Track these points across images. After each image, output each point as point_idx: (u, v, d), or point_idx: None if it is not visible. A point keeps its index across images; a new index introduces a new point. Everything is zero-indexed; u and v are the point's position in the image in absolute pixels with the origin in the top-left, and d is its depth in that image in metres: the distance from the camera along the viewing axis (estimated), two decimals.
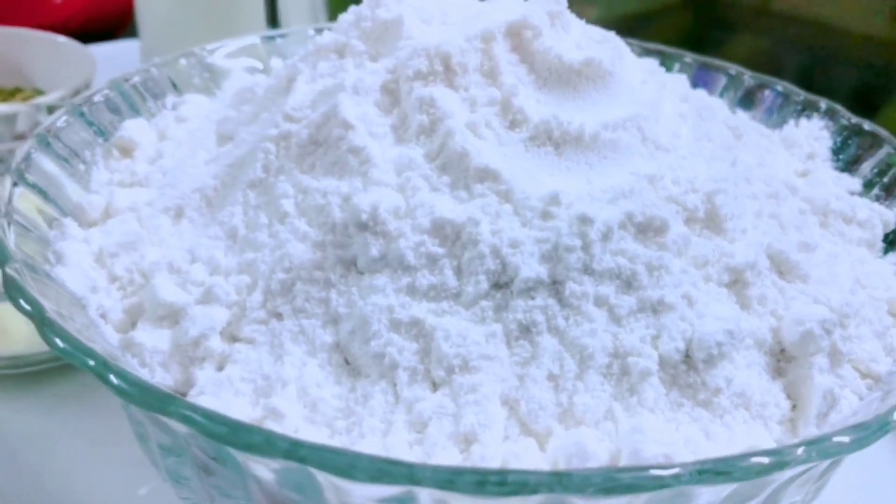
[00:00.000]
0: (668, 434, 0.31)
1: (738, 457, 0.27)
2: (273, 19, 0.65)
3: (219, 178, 0.40)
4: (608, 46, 0.41)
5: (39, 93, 0.74)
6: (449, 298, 0.34)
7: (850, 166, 0.50)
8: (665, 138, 0.39)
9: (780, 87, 0.54)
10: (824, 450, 0.27)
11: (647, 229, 0.35)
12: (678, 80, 0.47)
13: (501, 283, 0.34)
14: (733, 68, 0.56)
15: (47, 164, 0.42)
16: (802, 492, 0.34)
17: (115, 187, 0.42)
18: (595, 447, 0.31)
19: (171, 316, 0.35)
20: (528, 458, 0.31)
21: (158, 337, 0.34)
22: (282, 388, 0.33)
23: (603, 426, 0.32)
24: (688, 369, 0.33)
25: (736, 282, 0.35)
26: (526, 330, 0.33)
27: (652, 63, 0.48)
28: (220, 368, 0.34)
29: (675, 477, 0.25)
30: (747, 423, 0.33)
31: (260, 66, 0.54)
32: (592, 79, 0.39)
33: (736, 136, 0.44)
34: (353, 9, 0.44)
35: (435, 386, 0.33)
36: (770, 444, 0.32)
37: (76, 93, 0.71)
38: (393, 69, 0.39)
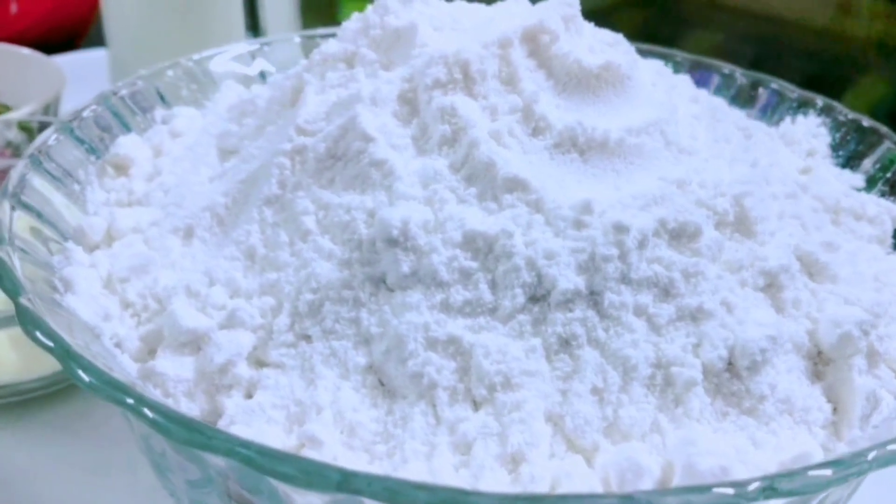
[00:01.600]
0: (720, 445, 0.31)
1: (813, 467, 0.26)
2: (254, 27, 0.63)
3: (230, 196, 0.38)
4: (622, 49, 0.40)
5: (6, 108, 0.71)
6: (485, 314, 0.33)
7: (850, 162, 0.50)
8: (686, 141, 0.38)
9: (774, 85, 0.54)
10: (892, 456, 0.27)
11: (681, 235, 0.34)
12: (684, 81, 0.47)
13: (538, 296, 0.33)
14: (726, 67, 0.56)
15: (42, 185, 0.40)
16: (845, 494, 0.34)
17: (115, 207, 0.41)
18: (648, 461, 0.30)
19: (194, 342, 0.34)
20: (579, 476, 0.30)
21: (181, 365, 0.33)
22: (317, 413, 0.32)
23: (650, 439, 0.32)
24: (731, 377, 0.33)
25: (770, 286, 0.35)
26: (566, 343, 0.32)
27: (657, 64, 0.47)
28: (249, 395, 0.33)
29: (756, 492, 0.25)
30: (792, 428, 0.33)
31: (250, 75, 0.52)
32: (611, 83, 0.38)
33: (746, 137, 0.44)
34: (357, 16, 0.42)
35: (476, 405, 0.32)
36: (817, 450, 0.32)
37: (46, 107, 0.68)
38: (409, 78, 0.37)
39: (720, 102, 0.48)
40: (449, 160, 0.35)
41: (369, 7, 0.42)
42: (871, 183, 0.48)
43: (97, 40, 0.94)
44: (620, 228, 0.33)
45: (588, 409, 0.32)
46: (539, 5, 0.41)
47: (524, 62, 0.38)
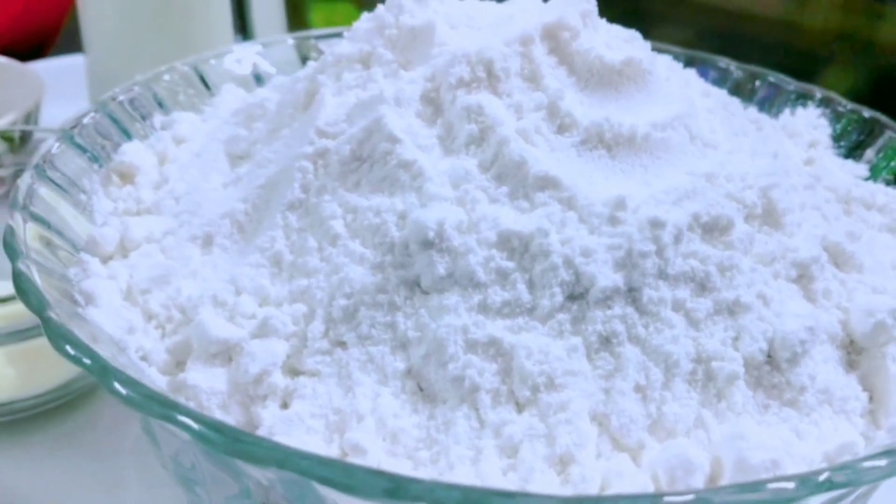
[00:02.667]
0: (768, 438, 0.30)
1: (867, 458, 0.26)
2: (244, 28, 0.62)
3: (249, 202, 0.37)
4: (638, 45, 0.40)
5: None
6: (524, 314, 0.32)
7: (853, 152, 0.50)
8: (708, 135, 0.38)
9: (772, 78, 0.54)
10: None
11: (714, 229, 0.34)
12: (692, 75, 0.47)
13: (576, 295, 0.33)
14: (722, 61, 0.56)
15: (49, 195, 0.39)
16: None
17: (127, 217, 0.40)
18: (698, 457, 0.30)
19: (225, 353, 0.33)
20: (629, 475, 0.30)
21: (213, 377, 0.32)
22: (357, 421, 0.31)
23: (695, 435, 0.31)
24: (771, 370, 0.33)
25: (802, 276, 0.35)
26: (606, 341, 0.32)
27: (667, 58, 0.47)
28: (285, 405, 0.32)
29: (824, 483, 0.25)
30: (832, 419, 0.33)
31: (249, 78, 0.51)
32: (633, 78, 0.38)
33: (758, 129, 0.44)
34: (368, 15, 0.42)
35: (520, 407, 0.31)
36: (859, 440, 0.32)
37: (27, 116, 0.66)
38: (431, 77, 0.37)
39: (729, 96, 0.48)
40: (478, 159, 0.35)
41: (380, 6, 0.41)
42: (874, 172, 0.48)
43: (66, 48, 0.92)
44: (657, 223, 0.33)
45: (632, 407, 0.31)
46: (553, 2, 0.40)
47: (545, 59, 0.37)
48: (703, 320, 0.33)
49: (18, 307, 0.47)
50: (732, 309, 0.33)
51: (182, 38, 0.67)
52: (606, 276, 0.32)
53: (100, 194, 0.42)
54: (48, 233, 0.37)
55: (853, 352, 0.35)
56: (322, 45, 0.55)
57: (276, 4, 0.67)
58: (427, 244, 0.32)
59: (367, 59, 0.40)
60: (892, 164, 0.48)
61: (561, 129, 0.36)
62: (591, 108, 0.37)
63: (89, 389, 0.53)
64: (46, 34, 0.96)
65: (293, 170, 0.36)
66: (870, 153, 0.49)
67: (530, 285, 0.33)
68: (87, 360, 0.28)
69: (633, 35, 0.41)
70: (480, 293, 0.32)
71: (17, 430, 0.50)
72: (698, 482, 0.30)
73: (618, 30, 0.42)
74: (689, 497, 0.25)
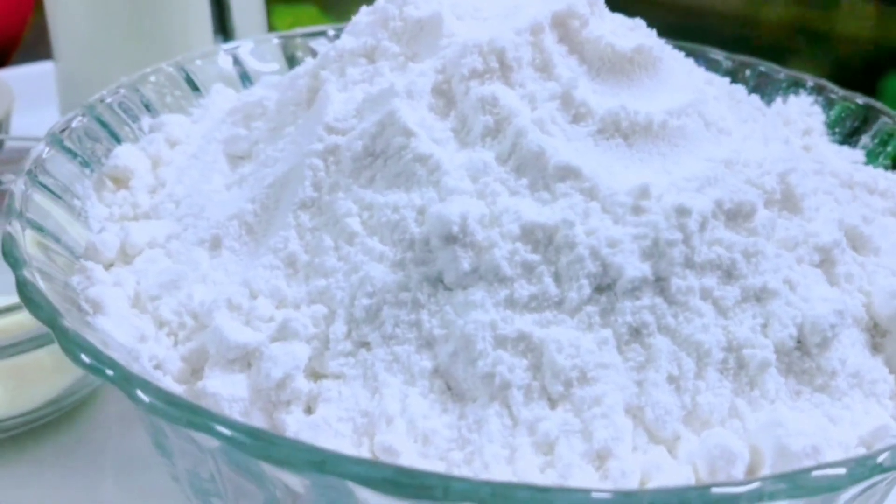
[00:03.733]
0: (806, 424, 0.30)
1: None
2: (224, 29, 0.60)
3: (257, 202, 0.36)
4: (644, 33, 0.40)
5: None
6: (552, 307, 0.32)
7: (847, 139, 0.50)
8: (721, 122, 0.38)
9: (762, 68, 0.54)
10: None
11: (737, 216, 0.34)
12: (692, 64, 0.47)
13: (603, 286, 0.32)
14: (712, 51, 0.56)
15: (43, 202, 0.37)
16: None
17: (126, 222, 0.38)
18: (738, 447, 0.29)
19: (243, 358, 0.31)
20: (668, 468, 0.29)
21: (233, 383, 0.31)
22: (387, 424, 0.30)
23: (729, 424, 0.31)
24: (802, 355, 0.32)
25: (824, 261, 0.35)
26: (636, 332, 0.32)
27: (668, 46, 0.47)
28: (309, 410, 0.31)
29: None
30: (863, 402, 0.32)
31: (238, 78, 0.50)
32: (644, 66, 0.38)
33: (763, 116, 0.44)
34: (367, 9, 0.41)
35: (552, 402, 0.31)
36: (891, 422, 0.32)
37: None
38: (442, 69, 0.36)
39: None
40: (495, 151, 0.34)
41: None
42: (871, 158, 0.49)
43: (28, 56, 0.90)
44: (683, 211, 0.32)
45: (667, 399, 0.31)
46: None
47: (556, 48, 0.37)
48: (732, 308, 0.32)
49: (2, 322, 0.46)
50: (760, 295, 0.33)
51: (157, 42, 0.65)
52: (634, 267, 0.32)
53: (93, 200, 0.40)
54: (46, 240, 0.35)
55: (877, 335, 0.35)
56: (312, 43, 0.54)
57: (257, 4, 0.66)
58: (450, 239, 0.31)
59: (372, 53, 0.39)
60: (889, 148, 0.48)
61: (576, 119, 0.36)
62: (604, 96, 0.36)
63: (79, 405, 0.51)
64: (7, 44, 0.93)
65: (303, 168, 0.35)
66: (865, 139, 0.49)
67: (557, 278, 0.32)
68: (108, 371, 0.27)
69: (637, 23, 0.41)
70: (507, 288, 0.32)
71: (5, 449, 0.48)
72: (739, 472, 0.29)
73: (621, 18, 0.41)
74: (742, 489, 0.25)
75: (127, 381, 0.27)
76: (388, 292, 0.32)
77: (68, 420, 0.51)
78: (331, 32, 0.41)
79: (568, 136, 0.35)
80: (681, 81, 0.39)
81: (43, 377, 0.49)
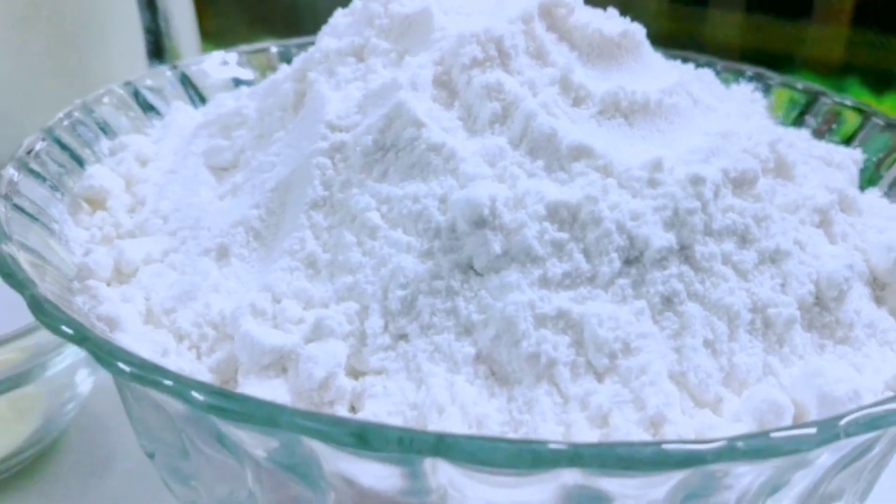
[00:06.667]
0: (842, 372, 0.31)
1: None
2: (159, 53, 0.58)
3: (262, 207, 0.35)
4: (621, 20, 0.41)
5: None
6: (585, 283, 0.32)
7: (792, 122, 0.53)
8: (708, 100, 0.39)
9: (702, 60, 0.56)
10: None
11: (743, 183, 0.35)
12: None
13: (632, 259, 0.32)
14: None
15: (25, 226, 0.35)
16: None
17: (118, 241, 0.36)
18: (784, 399, 0.30)
19: (278, 363, 0.30)
20: (720, 427, 0.30)
21: (272, 389, 0.30)
22: (439, 414, 0.29)
23: (765, 382, 0.32)
24: (821, 310, 0.34)
25: (823, 222, 0.36)
26: (668, 301, 0.32)
27: None
28: (352, 409, 0.30)
29: None
30: (880, 351, 0.34)
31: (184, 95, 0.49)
32: (630, 50, 0.39)
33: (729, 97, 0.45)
34: (343, 11, 0.40)
35: (598, 376, 0.31)
36: None
37: None
38: (440, 60, 0.36)
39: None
40: (506, 137, 0.34)
41: None
42: (817, 137, 0.51)
43: None
44: (697, 180, 0.33)
45: (706, 362, 0.31)
46: None
47: (547, 36, 0.37)
48: (751, 271, 0.33)
49: None
50: (774, 257, 0.34)
51: (79, 75, 0.62)
52: (660, 237, 0.32)
53: (69, 223, 0.38)
54: (39, 261, 0.33)
55: (877, 288, 0.36)
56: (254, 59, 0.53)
57: (188, 27, 0.64)
58: (480, 223, 0.31)
59: (360, 52, 0.38)
60: (834, 126, 0.51)
61: (576, 102, 0.36)
62: (598, 80, 0.37)
63: (39, 456, 0.48)
64: None
65: (309, 168, 0.34)
66: (810, 120, 0.52)
67: (586, 254, 0.32)
68: (166, 381, 0.25)
69: (612, 12, 0.42)
70: (539, 267, 0.31)
71: None
72: (787, 424, 0.30)
73: (593, 9, 0.42)
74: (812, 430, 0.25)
75: (184, 385, 0.25)
76: (422, 282, 0.31)
77: (29, 474, 0.48)
78: (325, 30, 0.40)
79: (571, 118, 0.35)
80: (661, 64, 0.40)
81: (3, 427, 0.46)
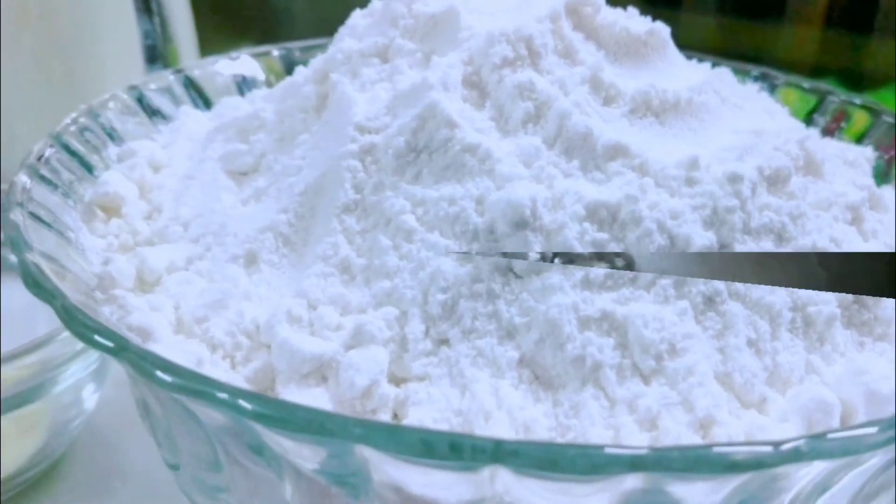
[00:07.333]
0: (885, 368, 0.31)
1: None
2: (156, 58, 0.57)
3: (290, 212, 0.34)
4: (642, 19, 0.40)
5: None
6: (627, 284, 0.31)
7: (804, 120, 0.53)
8: (734, 98, 0.39)
9: (708, 60, 0.56)
10: None
11: (777, 181, 0.34)
12: None
13: None
14: None
15: (42, 234, 0.34)
16: None
17: (140, 248, 0.35)
18: (832, 397, 0.30)
19: (318, 371, 0.29)
20: (770, 428, 0.29)
21: (313, 398, 0.29)
22: (485, 420, 0.28)
23: (809, 381, 0.31)
24: (859, 308, 0.33)
25: (855, 219, 0.36)
26: (710, 301, 0.32)
27: None
28: (396, 416, 0.29)
29: None
30: None
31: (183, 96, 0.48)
32: (656, 48, 0.38)
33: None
34: (362, 12, 0.39)
35: (645, 378, 0.30)
36: None
37: None
38: (469, 60, 0.35)
39: None
40: (540, 136, 0.34)
41: None
42: (826, 135, 0.51)
43: None
44: (735, 178, 0.33)
45: (750, 362, 0.31)
46: None
47: (574, 35, 0.37)
48: None
49: None
50: None
51: (69, 83, 0.61)
52: (700, 235, 0.32)
53: (84, 231, 0.37)
54: (62, 270, 0.32)
55: None
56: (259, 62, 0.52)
57: (189, 30, 0.63)
58: (522, 224, 0.31)
59: (385, 53, 0.37)
60: (843, 125, 0.51)
61: (607, 101, 0.36)
62: (627, 78, 0.37)
63: (45, 473, 0.47)
64: None
65: (339, 170, 0.33)
66: (819, 119, 0.52)
67: None
68: (224, 397, 0.24)
69: (632, 11, 0.41)
70: (581, 269, 0.31)
71: None
72: (836, 423, 0.30)
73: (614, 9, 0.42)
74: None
75: (238, 396, 0.24)
76: (463, 285, 0.30)
77: (34, 491, 0.46)
78: (344, 31, 0.39)
79: (603, 117, 0.35)
80: (685, 63, 0.40)
81: (8, 444, 0.44)
